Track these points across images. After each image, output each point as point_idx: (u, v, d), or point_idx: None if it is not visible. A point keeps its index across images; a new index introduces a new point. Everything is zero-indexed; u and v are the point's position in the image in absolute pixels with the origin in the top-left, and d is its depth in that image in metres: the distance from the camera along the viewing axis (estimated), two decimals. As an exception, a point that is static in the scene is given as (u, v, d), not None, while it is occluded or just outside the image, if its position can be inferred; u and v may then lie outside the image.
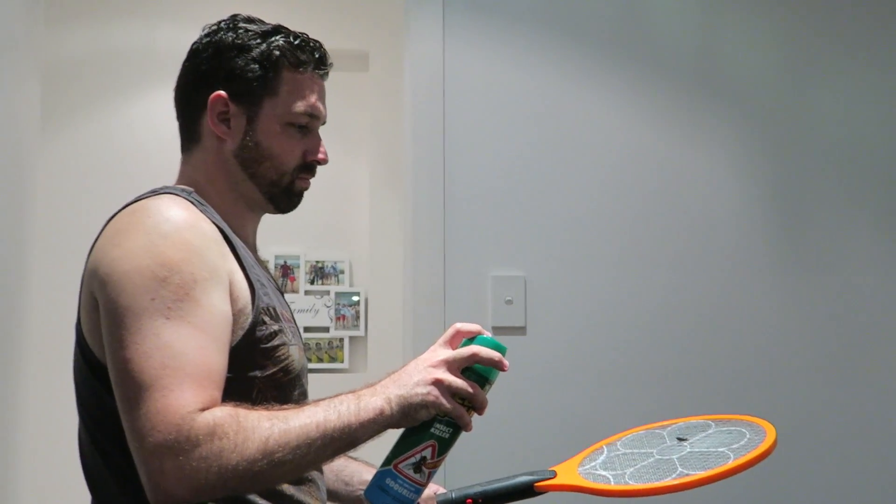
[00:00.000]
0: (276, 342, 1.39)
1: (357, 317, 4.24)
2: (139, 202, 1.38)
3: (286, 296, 4.45)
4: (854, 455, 2.50)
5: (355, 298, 4.24)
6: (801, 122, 2.57)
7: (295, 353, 1.43)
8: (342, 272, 4.27)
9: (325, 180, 4.30)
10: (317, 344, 4.22)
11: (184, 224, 1.32)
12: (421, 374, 1.31)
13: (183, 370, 1.23)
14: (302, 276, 4.26)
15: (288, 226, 4.24)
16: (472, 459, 2.30)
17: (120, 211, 1.39)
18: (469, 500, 1.33)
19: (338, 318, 4.23)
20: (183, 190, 1.43)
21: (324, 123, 1.57)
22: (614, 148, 2.51)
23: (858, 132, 2.60)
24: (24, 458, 2.61)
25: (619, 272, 2.48)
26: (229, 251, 1.38)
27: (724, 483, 1.28)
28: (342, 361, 4.21)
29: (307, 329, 4.22)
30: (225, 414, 1.22)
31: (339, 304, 4.24)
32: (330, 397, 1.28)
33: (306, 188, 1.54)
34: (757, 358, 2.50)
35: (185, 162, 1.52)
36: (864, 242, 2.56)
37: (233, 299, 1.34)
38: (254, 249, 1.57)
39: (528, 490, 1.36)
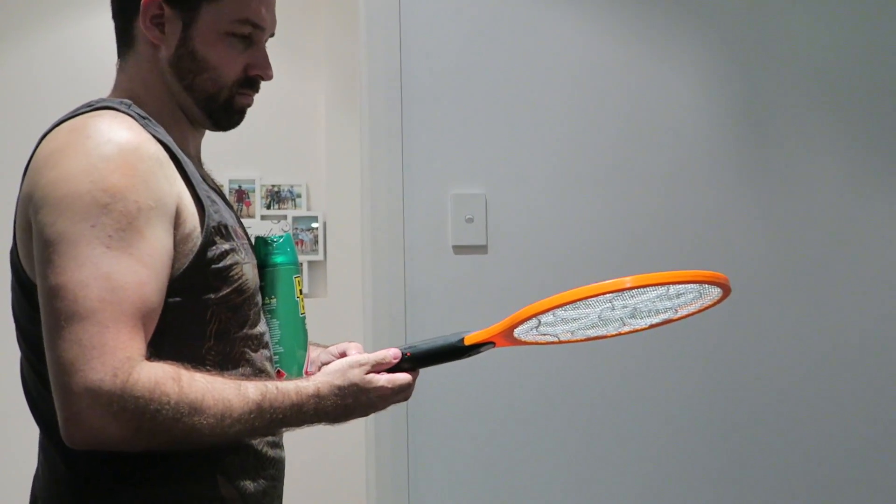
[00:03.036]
0: (228, 262, 1.33)
1: (315, 241, 4.16)
2: (77, 118, 1.30)
3: (243, 221, 4.32)
4: (819, 365, 2.50)
5: (315, 225, 4.16)
6: (773, 37, 2.51)
7: (249, 272, 1.38)
8: (299, 196, 4.19)
9: (280, 101, 4.26)
10: (275, 269, 4.13)
11: (127, 146, 1.24)
12: (364, 410, 1.37)
13: (121, 306, 1.18)
14: (258, 201, 4.17)
15: (242, 149, 4.14)
16: (437, 386, 2.27)
17: (54, 127, 1.31)
18: (408, 353, 1.38)
19: (296, 243, 4.14)
20: (122, 103, 1.34)
21: (272, 35, 1.47)
22: (581, 61, 2.43)
23: (832, 47, 2.54)
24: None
25: (584, 189, 2.42)
26: (175, 171, 1.31)
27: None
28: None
29: (265, 254, 4.12)
30: (167, 376, 1.19)
31: (296, 228, 4.16)
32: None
33: (248, 105, 1.46)
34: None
35: (120, 69, 1.43)
36: (834, 158, 2.52)
37: (181, 222, 1.28)
38: (199, 163, 1.48)
39: (460, 348, 1.37)
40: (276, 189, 4.18)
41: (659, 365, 2.44)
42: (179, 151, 1.34)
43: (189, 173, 1.33)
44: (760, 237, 2.50)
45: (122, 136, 1.25)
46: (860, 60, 2.55)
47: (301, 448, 3.69)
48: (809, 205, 2.51)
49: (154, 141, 1.30)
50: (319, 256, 4.17)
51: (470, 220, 2.36)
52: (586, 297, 1.28)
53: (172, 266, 1.27)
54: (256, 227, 4.13)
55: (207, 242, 1.30)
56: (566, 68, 2.43)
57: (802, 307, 2.51)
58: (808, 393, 2.49)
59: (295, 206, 4.18)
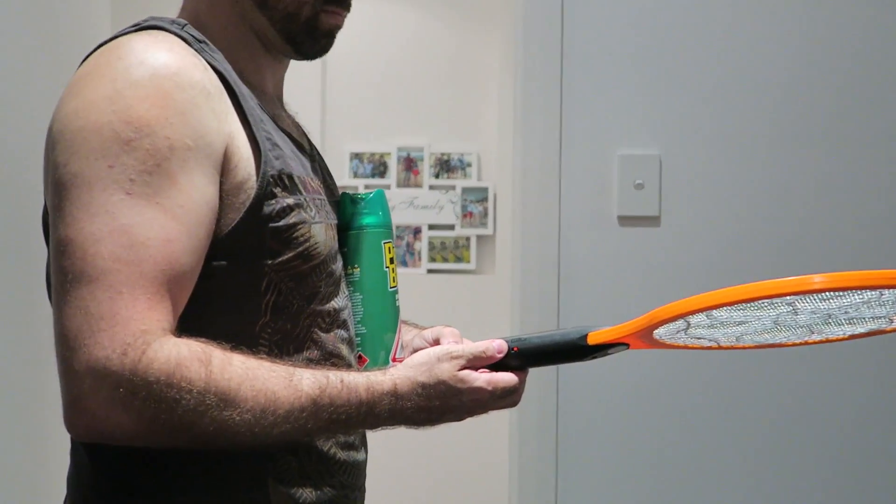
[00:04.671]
0: (291, 219, 1.07)
1: (485, 214, 3.88)
2: (115, 39, 1.07)
3: (410, 191, 4.05)
4: None
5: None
6: None
7: (320, 234, 1.11)
8: (469, 165, 3.91)
9: (451, 63, 4.01)
10: (441, 243, 3.90)
11: (164, 70, 1.01)
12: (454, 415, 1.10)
13: (140, 267, 0.96)
14: (426, 170, 3.92)
15: (411, 114, 3.91)
16: (594, 370, 1.94)
17: (94, 51, 1.08)
18: (515, 349, 1.10)
19: (464, 216, 3.89)
20: (175, 23, 1.10)
21: None
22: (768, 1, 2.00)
23: None
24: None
25: (777, 151, 2.00)
26: (230, 106, 1.06)
27: None
28: (469, 262, 3.88)
29: (431, 227, 3.89)
30: (193, 357, 0.96)
31: (465, 199, 3.89)
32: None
33: (338, 26, 1.18)
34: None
35: None
36: None
37: (231, 167, 1.04)
38: (276, 101, 1.22)
39: (581, 347, 1.08)
40: (445, 157, 3.92)
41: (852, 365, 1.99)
42: (238, 82, 1.09)
43: (247, 109, 1.07)
44: None
45: (159, 58, 1.02)
46: None
47: (434, 446, 3.50)
48: None
49: (204, 67, 1.06)
50: (489, 230, 3.88)
51: (640, 186, 2.00)
52: (752, 299, 0.93)
53: (219, 221, 1.04)
54: (423, 197, 3.90)
55: (264, 195, 1.05)
56: (755, 8, 2.00)
57: None
58: None
59: (465, 175, 3.91)
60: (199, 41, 1.08)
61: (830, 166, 2.00)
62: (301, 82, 3.61)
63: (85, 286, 0.94)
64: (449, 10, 3.88)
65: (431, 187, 3.93)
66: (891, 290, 0.93)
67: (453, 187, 3.91)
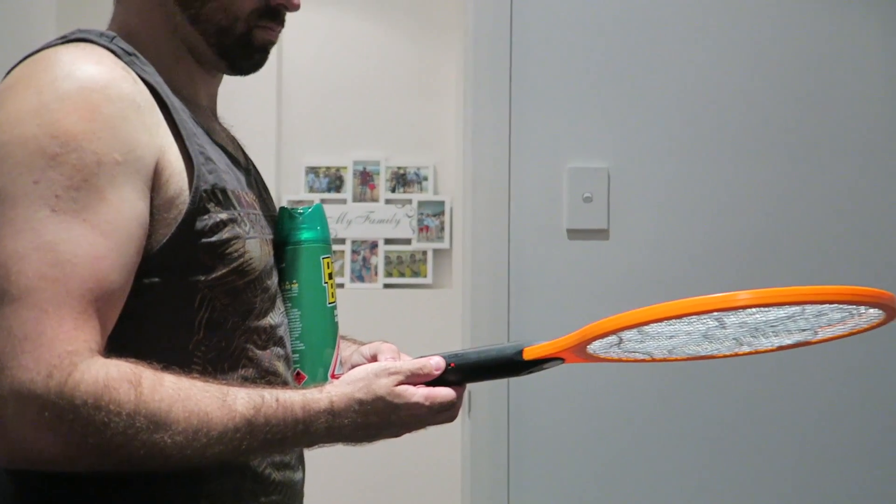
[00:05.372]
0: (225, 235, 1.05)
1: (442, 228, 3.87)
2: (41, 52, 1.05)
3: (366, 205, 3.99)
4: None
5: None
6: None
7: (255, 249, 1.09)
8: (426, 179, 3.90)
9: (409, 76, 4.00)
10: (398, 257, 3.88)
11: (92, 83, 0.99)
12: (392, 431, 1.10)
13: (67, 285, 0.93)
14: (382, 184, 3.91)
15: (366, 128, 3.90)
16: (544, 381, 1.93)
17: (19, 63, 1.06)
18: (453, 364, 1.10)
19: (421, 230, 3.88)
20: (103, 35, 1.08)
21: None
22: (720, 9, 2.02)
23: None
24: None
25: (725, 164, 2.02)
26: (161, 119, 1.04)
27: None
28: (425, 276, 3.86)
29: (388, 241, 3.87)
30: (123, 378, 0.93)
31: (422, 213, 3.88)
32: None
33: (271, 41, 1.17)
34: (901, 269, 2.01)
35: (117, 0, 1.16)
36: None
37: (163, 182, 1.02)
38: (211, 116, 1.20)
39: (517, 362, 1.09)
40: (401, 171, 3.91)
41: (790, 368, 2.00)
42: (170, 95, 1.07)
43: (179, 122, 1.05)
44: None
45: (87, 70, 1.00)
46: None
47: (375, 461, 3.46)
48: None
49: (134, 80, 1.04)
50: (446, 244, 3.87)
51: (588, 200, 2.00)
52: (681, 315, 0.95)
53: (150, 237, 1.02)
54: (380, 211, 3.88)
55: (197, 210, 1.03)
56: (708, 15, 2.02)
57: None
58: None
59: (421, 189, 3.90)
60: (129, 54, 1.06)
61: (778, 178, 2.02)
62: (256, 95, 3.59)
63: (8, 305, 0.91)
64: (406, 23, 3.87)
65: (388, 201, 3.91)
66: (813, 306, 0.94)
67: (410, 201, 3.90)
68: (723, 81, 2.02)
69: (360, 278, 3.85)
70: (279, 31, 1.18)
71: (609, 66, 2.02)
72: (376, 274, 3.86)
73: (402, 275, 3.87)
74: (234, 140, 1.23)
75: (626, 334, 1.00)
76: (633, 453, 2.01)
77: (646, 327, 0.98)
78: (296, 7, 1.17)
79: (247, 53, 1.15)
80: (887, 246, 2.02)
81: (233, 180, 1.10)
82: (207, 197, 1.04)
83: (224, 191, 1.06)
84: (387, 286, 3.86)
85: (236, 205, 1.08)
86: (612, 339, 1.02)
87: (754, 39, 2.02)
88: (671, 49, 2.02)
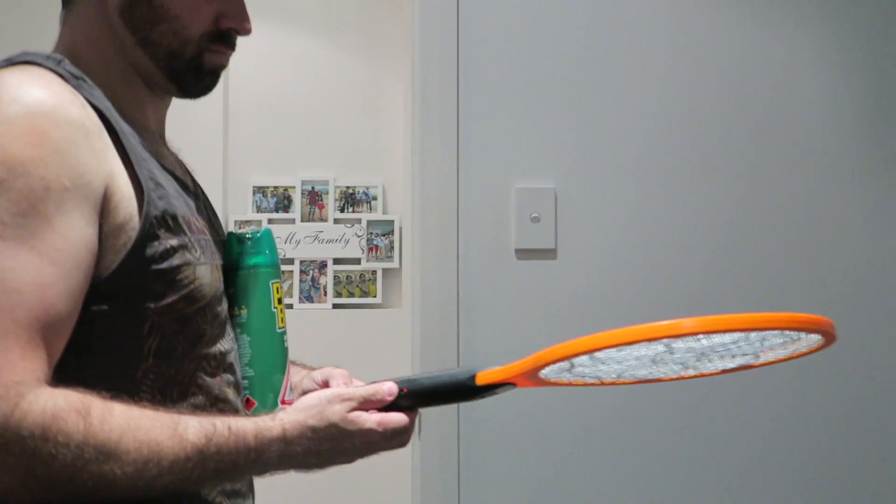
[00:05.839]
0: (175, 261, 1.05)
1: (391, 247, 3.87)
2: None
3: (315, 225, 3.98)
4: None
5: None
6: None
7: (205, 275, 1.09)
8: (375, 198, 3.91)
9: (356, 95, 4.00)
10: (347, 277, 3.87)
11: (40, 107, 0.97)
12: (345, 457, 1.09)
13: (12, 314, 0.92)
14: (331, 204, 3.90)
15: (314, 147, 3.89)
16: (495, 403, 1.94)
17: None
18: (405, 389, 1.10)
19: (370, 249, 3.87)
20: (50, 58, 1.07)
21: None
22: (667, 29, 2.06)
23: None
24: None
25: (671, 184, 2.04)
26: (110, 144, 1.03)
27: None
28: (375, 296, 3.86)
29: (336, 261, 3.86)
30: (71, 408, 0.92)
31: (371, 233, 3.88)
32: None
33: (222, 65, 1.17)
34: (844, 286, 2.05)
35: (64, 21, 1.17)
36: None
37: (111, 208, 1.01)
38: (160, 140, 1.19)
39: (470, 388, 1.10)
40: (350, 191, 3.91)
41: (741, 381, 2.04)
42: (119, 119, 1.06)
43: (128, 147, 1.05)
44: (891, 246, 2.08)
45: (34, 94, 0.99)
46: None
47: (340, 479, 3.41)
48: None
49: (82, 104, 1.03)
50: (395, 264, 3.87)
51: (536, 220, 2.01)
52: (631, 342, 0.98)
53: (98, 264, 1.01)
54: (328, 230, 3.87)
55: (147, 236, 1.03)
56: (653, 38, 2.05)
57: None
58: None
59: (370, 208, 3.90)
60: (77, 77, 1.06)
61: (726, 200, 2.05)
62: (203, 114, 3.56)
63: None
64: (353, 42, 3.87)
65: (336, 221, 3.90)
66: (755, 332, 0.98)
67: (359, 221, 3.90)
68: (670, 103, 2.05)
69: (310, 298, 3.83)
70: (230, 55, 1.18)
71: (557, 86, 2.04)
72: (325, 294, 3.84)
73: (351, 295, 3.86)
74: (182, 164, 1.23)
75: (578, 360, 1.02)
76: (584, 475, 2.02)
77: (598, 353, 0.99)
78: (247, 32, 1.17)
79: (197, 77, 1.15)
80: (836, 266, 2.06)
81: (182, 206, 1.10)
82: (158, 223, 1.03)
83: (174, 217, 1.06)
84: (336, 306, 3.85)
85: (186, 231, 1.07)
86: (564, 364, 1.03)
87: (702, 61, 2.06)
88: (619, 70, 2.05)
